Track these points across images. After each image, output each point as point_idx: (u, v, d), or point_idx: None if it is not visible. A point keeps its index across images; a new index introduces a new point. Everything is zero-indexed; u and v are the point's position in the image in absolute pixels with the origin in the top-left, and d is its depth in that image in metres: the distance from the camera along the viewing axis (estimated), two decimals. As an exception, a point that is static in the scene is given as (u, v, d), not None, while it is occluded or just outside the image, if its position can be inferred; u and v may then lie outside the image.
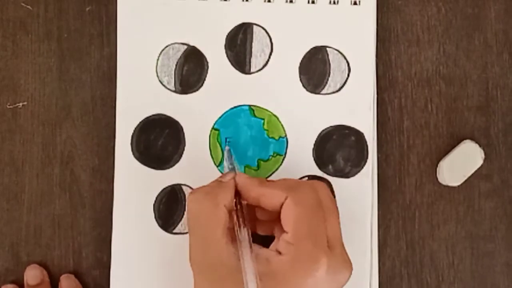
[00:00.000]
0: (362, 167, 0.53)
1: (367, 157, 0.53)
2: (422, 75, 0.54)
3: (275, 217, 0.47)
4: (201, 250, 0.46)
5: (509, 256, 0.53)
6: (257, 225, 0.49)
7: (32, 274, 0.53)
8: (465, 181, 0.52)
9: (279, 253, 0.45)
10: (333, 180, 0.53)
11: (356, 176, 0.53)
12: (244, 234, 0.45)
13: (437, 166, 0.53)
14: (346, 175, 0.53)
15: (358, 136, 0.53)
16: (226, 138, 0.53)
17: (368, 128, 0.53)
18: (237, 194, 0.47)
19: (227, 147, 0.52)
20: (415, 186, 0.53)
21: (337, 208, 0.47)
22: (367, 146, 0.53)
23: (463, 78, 0.53)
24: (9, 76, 0.55)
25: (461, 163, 0.52)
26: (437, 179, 0.53)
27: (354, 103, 0.53)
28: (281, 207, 0.46)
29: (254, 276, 0.43)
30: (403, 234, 0.53)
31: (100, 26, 0.55)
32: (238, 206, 0.47)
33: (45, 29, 0.55)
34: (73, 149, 0.55)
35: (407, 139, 0.54)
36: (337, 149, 0.53)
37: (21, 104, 0.55)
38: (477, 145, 0.52)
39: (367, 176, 0.53)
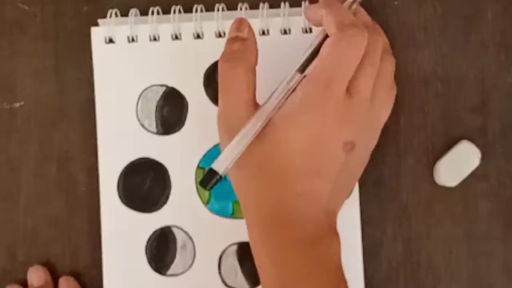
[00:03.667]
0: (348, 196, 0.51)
1: None
2: (418, 75, 0.54)
3: None
4: (231, 112, 0.47)
5: (505, 256, 0.53)
6: None
7: (36, 276, 0.53)
8: (462, 181, 0.52)
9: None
10: None
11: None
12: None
13: (433, 166, 0.53)
14: None
15: None
16: None
17: None
18: None
19: None
20: (412, 186, 0.53)
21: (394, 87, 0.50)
22: None
23: (459, 79, 0.53)
24: (6, 77, 0.55)
25: (458, 164, 0.52)
26: (433, 179, 0.53)
27: None
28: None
29: (264, 114, 0.46)
30: (400, 235, 0.53)
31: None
32: None
33: (42, 29, 0.55)
34: (70, 149, 0.55)
35: (403, 139, 0.54)
36: None
37: (17, 104, 0.55)
38: (473, 146, 0.52)
39: (353, 204, 0.52)
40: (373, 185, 0.53)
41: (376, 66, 0.47)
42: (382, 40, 0.48)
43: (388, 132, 0.53)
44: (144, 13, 0.54)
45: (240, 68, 0.47)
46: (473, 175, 0.53)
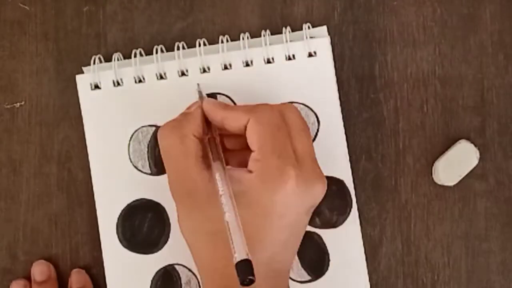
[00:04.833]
0: (348, 214, 0.52)
1: (351, 204, 0.52)
2: (417, 75, 0.54)
3: (244, 145, 0.48)
4: (177, 181, 0.47)
5: (504, 256, 0.53)
6: (229, 157, 0.50)
7: (39, 270, 0.53)
8: (461, 181, 0.53)
9: (250, 172, 0.46)
10: (322, 232, 0.53)
11: (344, 224, 0.52)
12: (217, 162, 0.46)
13: (432, 166, 0.53)
14: (334, 225, 0.52)
15: (339, 184, 0.52)
16: (198, 84, 0.53)
17: (347, 175, 0.52)
18: (210, 125, 0.49)
19: (198, 86, 0.52)
20: (411, 186, 0.53)
21: (306, 126, 0.48)
22: (349, 192, 0.52)
23: (458, 79, 0.54)
24: (7, 76, 0.55)
25: (457, 163, 0.52)
26: (432, 179, 0.53)
27: (329, 153, 0.52)
28: (245, 129, 0.47)
29: (230, 198, 0.44)
30: (399, 234, 0.53)
31: (97, 26, 0.55)
32: (211, 136, 0.48)
33: (43, 29, 0.55)
34: (70, 148, 0.55)
35: (403, 139, 0.54)
36: (321, 200, 0.49)
37: (18, 104, 0.55)
38: (472, 145, 0.52)
39: (355, 222, 0.52)
40: (372, 185, 0.53)
41: (306, 129, 0.48)
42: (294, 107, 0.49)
43: (387, 132, 0.53)
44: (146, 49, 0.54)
45: (174, 136, 0.47)
46: (471, 174, 0.53)
